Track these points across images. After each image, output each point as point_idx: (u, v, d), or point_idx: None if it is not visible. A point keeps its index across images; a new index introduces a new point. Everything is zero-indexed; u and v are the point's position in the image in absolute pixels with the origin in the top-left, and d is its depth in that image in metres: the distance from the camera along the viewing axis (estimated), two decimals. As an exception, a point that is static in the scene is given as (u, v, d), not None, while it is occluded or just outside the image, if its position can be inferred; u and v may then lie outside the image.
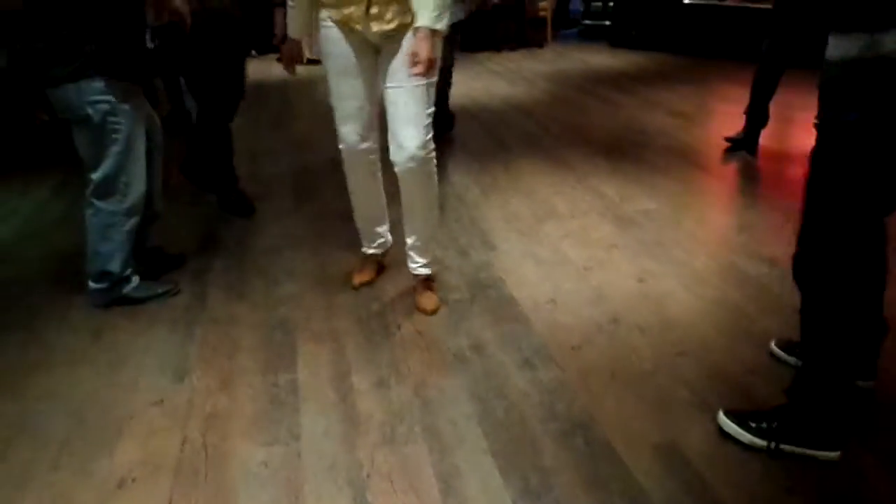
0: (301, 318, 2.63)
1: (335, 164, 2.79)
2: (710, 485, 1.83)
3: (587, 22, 9.98)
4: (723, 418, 2.01)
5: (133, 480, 1.87)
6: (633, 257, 3.09)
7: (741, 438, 1.96)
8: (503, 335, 2.51)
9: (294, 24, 2.57)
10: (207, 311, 2.70)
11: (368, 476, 1.87)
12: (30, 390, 2.25)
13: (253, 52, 7.23)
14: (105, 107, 2.47)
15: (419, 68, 2.24)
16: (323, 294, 2.82)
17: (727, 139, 4.50)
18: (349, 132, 2.59)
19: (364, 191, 2.77)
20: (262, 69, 7.04)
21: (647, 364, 2.33)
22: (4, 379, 2.32)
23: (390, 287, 2.85)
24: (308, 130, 5.24)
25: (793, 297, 1.99)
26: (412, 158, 2.42)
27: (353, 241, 2.98)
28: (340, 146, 2.64)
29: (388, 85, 2.42)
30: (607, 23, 9.41)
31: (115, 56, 2.46)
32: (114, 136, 2.52)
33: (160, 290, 2.80)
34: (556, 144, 4.80)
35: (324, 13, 2.45)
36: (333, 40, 2.46)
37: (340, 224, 3.30)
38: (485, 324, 2.58)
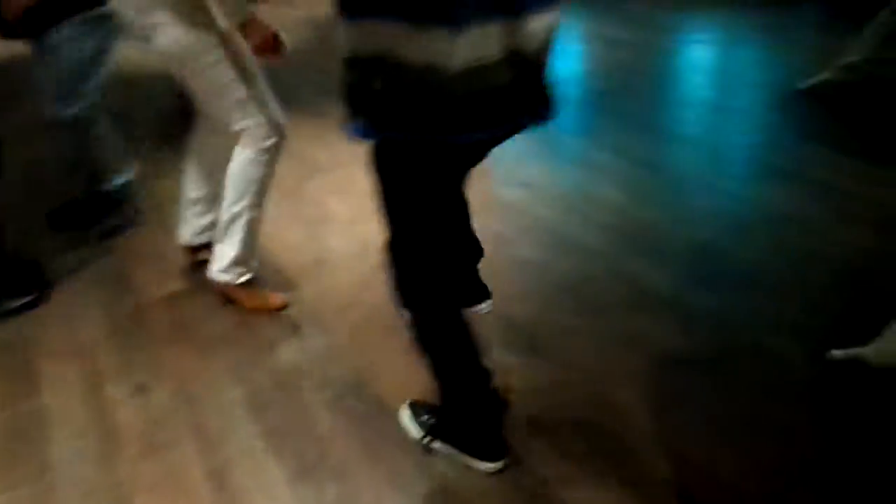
0: (39, 335, 2.35)
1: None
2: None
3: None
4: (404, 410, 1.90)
5: None
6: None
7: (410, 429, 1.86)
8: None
9: None
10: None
11: (131, 493, 1.73)
12: None
13: None
14: None
15: None
16: (65, 304, 2.52)
17: None
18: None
19: None
20: None
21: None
22: None
23: (142, 276, 2.64)
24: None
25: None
26: None
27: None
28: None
29: None
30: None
31: None
32: None
33: None
34: (313, 95, 4.62)
35: None
36: None
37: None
38: (249, 299, 2.46)
